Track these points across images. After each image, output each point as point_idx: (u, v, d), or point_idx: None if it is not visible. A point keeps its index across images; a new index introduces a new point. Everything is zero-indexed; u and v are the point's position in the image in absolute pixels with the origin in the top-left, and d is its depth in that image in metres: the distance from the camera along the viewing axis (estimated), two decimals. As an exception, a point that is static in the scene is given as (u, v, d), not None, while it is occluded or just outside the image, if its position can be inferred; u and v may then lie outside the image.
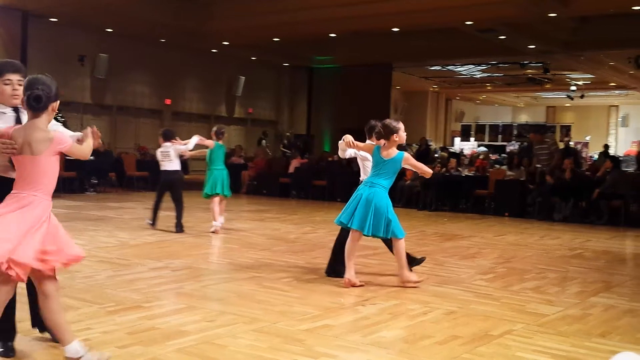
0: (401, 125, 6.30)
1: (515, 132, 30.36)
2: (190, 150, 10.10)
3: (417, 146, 21.09)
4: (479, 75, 27.08)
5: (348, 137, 6.42)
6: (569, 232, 11.56)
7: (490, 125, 32.42)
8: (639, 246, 10.84)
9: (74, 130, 3.86)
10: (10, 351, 4.01)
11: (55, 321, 3.72)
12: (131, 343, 4.34)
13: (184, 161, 10.73)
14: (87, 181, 16.51)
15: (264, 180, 18.11)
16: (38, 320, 4.16)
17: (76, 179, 16.20)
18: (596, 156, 22.86)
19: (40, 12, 17.49)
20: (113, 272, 6.63)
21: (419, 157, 14.35)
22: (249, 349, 4.31)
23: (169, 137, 10.05)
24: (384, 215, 6.19)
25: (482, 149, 25.05)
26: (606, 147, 23.21)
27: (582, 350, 4.54)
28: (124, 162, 18.13)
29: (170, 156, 9.90)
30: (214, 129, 10.39)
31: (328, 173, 17.14)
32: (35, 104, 3.63)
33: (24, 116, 4.06)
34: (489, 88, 31.11)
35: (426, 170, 6.52)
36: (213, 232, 9.88)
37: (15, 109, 4.04)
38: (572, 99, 29.11)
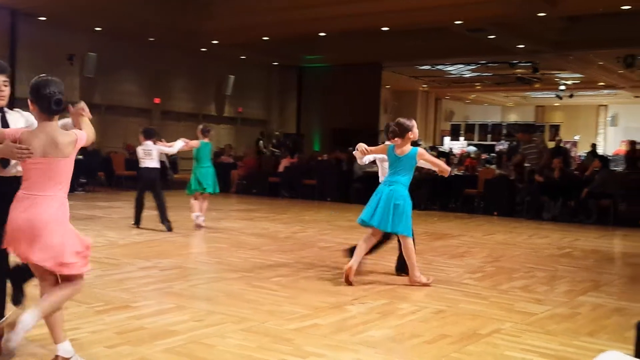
0: (414, 123, 6.41)
1: (504, 131, 30.42)
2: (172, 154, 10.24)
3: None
4: (468, 75, 27.14)
5: (361, 146, 6.48)
6: (558, 231, 11.60)
7: (479, 124, 32.48)
8: (627, 245, 10.89)
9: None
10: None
11: (56, 317, 3.73)
12: (119, 343, 4.33)
13: (172, 160, 10.77)
14: (75, 180, 16.43)
15: (253, 179, 18.06)
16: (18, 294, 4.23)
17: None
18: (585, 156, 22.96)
19: (29, 11, 17.40)
20: (102, 272, 6.59)
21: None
22: (237, 349, 4.30)
23: (150, 135, 10.18)
24: (404, 213, 6.25)
25: (472, 148, 25.10)
26: (594, 146, 23.31)
27: (571, 349, 4.56)
28: (112, 161, 18.08)
29: (152, 154, 10.02)
30: (200, 126, 10.67)
31: (318, 172, 17.14)
32: (56, 107, 3.67)
33: (11, 117, 4.03)
34: (478, 87, 31.18)
35: (444, 168, 6.53)
36: (197, 225, 10.04)
37: (1, 110, 4.00)
38: (561, 98, 29.22)
